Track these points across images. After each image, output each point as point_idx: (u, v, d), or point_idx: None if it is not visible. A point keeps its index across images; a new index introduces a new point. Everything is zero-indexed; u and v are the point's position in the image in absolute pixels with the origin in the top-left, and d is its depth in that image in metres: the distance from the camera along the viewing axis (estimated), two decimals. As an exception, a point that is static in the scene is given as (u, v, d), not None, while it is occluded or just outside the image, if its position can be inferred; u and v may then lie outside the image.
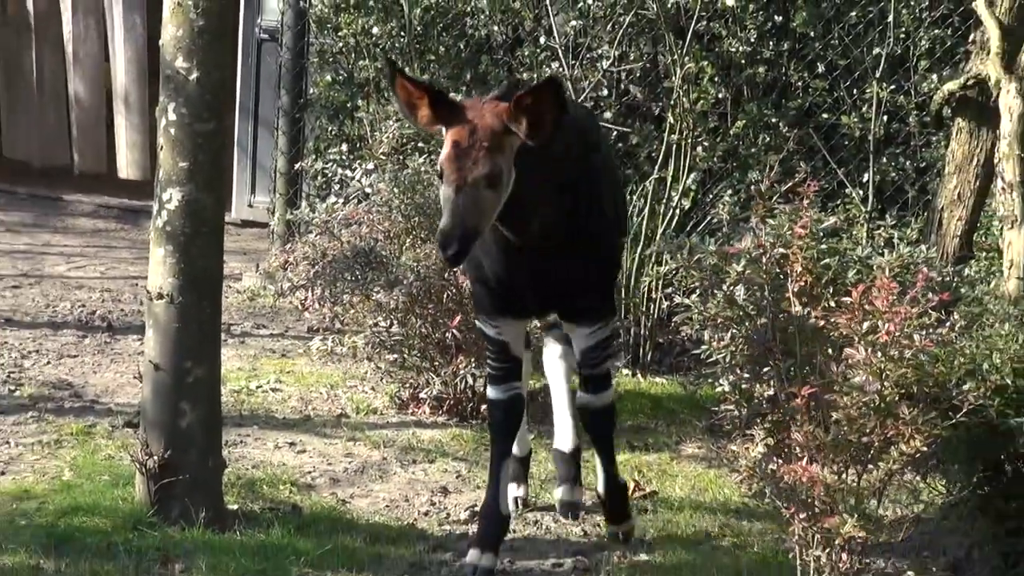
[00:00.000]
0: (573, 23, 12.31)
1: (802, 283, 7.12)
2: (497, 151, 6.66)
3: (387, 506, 8.45)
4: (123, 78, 16.16)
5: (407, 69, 12.76)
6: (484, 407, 9.56)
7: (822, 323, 6.97)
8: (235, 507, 8.09)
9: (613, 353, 7.81)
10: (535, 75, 12.59)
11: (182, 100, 7.59)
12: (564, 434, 8.43)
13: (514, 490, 8.32)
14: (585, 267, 7.40)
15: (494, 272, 7.33)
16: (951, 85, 10.22)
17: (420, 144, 11.29)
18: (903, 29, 11.97)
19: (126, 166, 16.23)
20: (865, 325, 6.83)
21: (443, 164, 6.64)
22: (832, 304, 7.04)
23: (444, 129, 6.78)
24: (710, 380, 7.63)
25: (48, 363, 10.67)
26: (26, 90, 16.80)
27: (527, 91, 6.78)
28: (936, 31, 11.99)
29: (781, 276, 7.18)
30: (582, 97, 12.02)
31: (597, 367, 7.61)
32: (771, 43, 12.39)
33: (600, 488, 8.06)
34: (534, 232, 7.04)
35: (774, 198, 7.59)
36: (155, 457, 7.76)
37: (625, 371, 10.99)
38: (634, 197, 11.33)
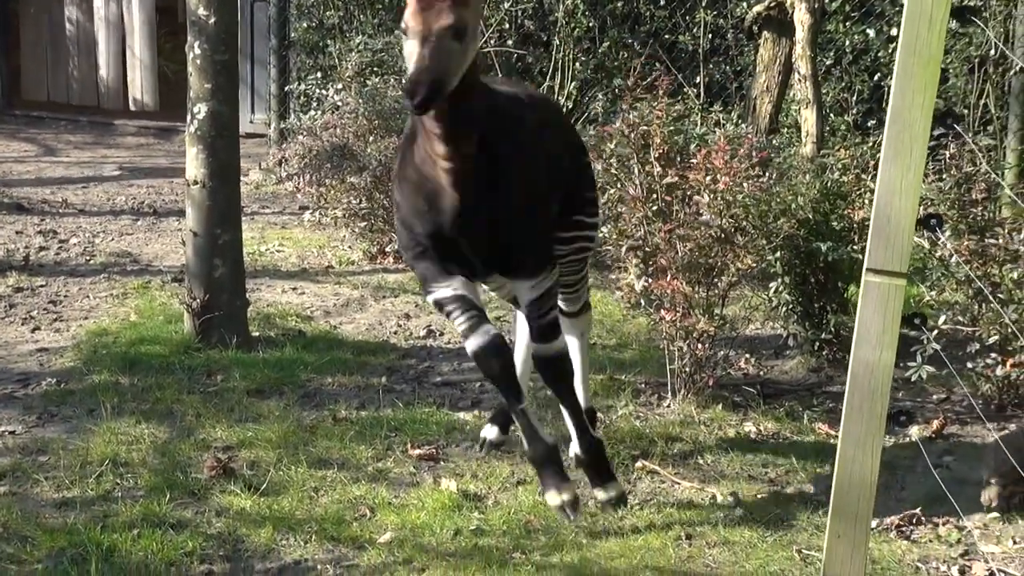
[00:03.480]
0: (482, -24, 12.20)
1: (660, 152, 7.12)
2: (462, 5, 4.89)
3: (367, 329, 8.43)
4: (138, 36, 15.86)
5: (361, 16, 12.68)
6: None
7: (676, 179, 6.99)
8: (257, 334, 8.06)
9: (555, 305, 5.78)
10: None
11: (204, 38, 7.50)
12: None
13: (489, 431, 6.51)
14: (516, 218, 5.41)
15: (432, 235, 5.36)
16: (759, 7, 10.24)
17: (375, 69, 11.19)
18: (721, -30, 11.96)
19: (141, 99, 15.96)
20: (708, 179, 6.87)
21: (408, 20, 4.87)
22: (681, 167, 7.07)
23: None
24: (594, 228, 7.63)
25: (112, 239, 10.56)
26: (65, 47, 16.44)
27: None
28: (745, -30, 11.97)
29: (645, 147, 7.20)
30: (491, 30, 11.92)
31: (543, 318, 5.63)
32: (626, -16, 12.37)
33: (575, 448, 5.97)
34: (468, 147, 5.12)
35: (636, 91, 7.61)
36: (197, 300, 7.73)
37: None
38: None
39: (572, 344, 6.14)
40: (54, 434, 6.50)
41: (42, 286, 9.14)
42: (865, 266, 4.18)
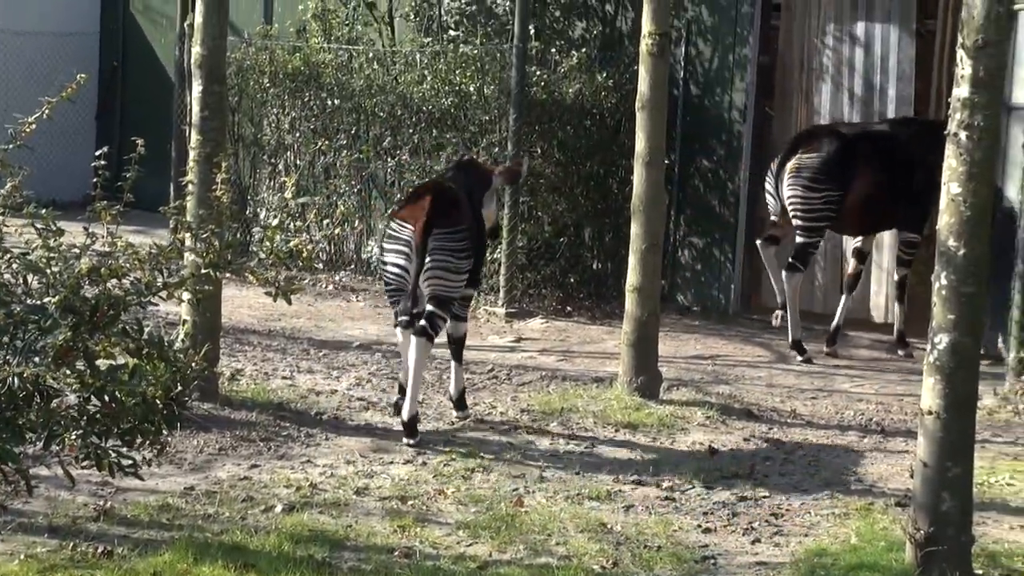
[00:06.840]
0: None
1: None
2: None
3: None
4: (886, 250, 15.85)
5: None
6: None
7: None
8: (979, 573, 7.94)
9: None
10: None
11: (951, 269, 7.62)
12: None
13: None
14: None
15: None
16: None
17: None
18: None
19: (885, 311, 15.96)
20: None
21: None
22: None
23: None
24: None
25: (837, 455, 10.66)
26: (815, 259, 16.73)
27: None
28: None
29: None
30: None
31: None
32: None
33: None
34: None
35: None
36: (921, 532, 7.75)
37: None
38: None
39: None
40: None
41: (765, 497, 9.44)
42: None
